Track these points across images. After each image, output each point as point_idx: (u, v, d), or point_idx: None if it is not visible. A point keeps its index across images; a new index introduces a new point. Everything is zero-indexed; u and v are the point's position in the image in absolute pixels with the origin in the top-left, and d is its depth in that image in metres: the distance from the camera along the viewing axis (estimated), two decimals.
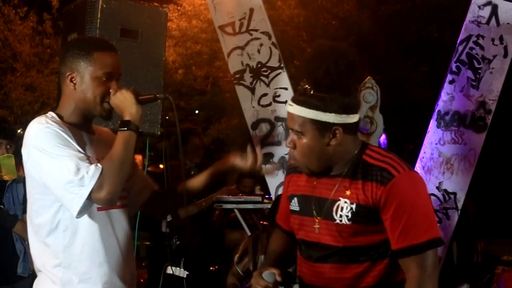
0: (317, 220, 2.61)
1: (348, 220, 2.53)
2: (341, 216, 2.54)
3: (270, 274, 2.52)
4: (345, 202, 2.54)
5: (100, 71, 2.70)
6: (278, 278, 2.52)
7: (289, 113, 2.56)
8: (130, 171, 2.83)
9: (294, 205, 2.71)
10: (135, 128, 2.64)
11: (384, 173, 2.50)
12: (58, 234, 2.66)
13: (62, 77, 2.76)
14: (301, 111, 2.52)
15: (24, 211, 4.80)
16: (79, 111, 2.75)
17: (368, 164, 2.57)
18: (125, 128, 2.63)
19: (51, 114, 2.73)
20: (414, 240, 2.48)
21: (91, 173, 2.51)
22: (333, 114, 2.49)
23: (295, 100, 2.54)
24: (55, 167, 2.54)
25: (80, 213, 2.55)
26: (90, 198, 2.52)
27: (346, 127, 2.52)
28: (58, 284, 2.67)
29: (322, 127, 2.51)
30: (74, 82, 2.72)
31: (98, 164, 2.55)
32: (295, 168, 2.75)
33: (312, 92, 2.49)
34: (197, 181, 2.99)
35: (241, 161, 2.88)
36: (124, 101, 2.68)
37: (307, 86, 2.50)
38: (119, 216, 2.80)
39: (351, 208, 2.53)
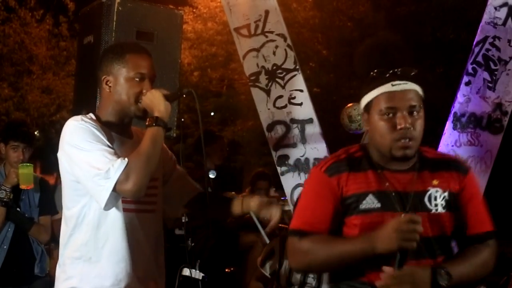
0: (402, 215, 2.44)
1: (443, 208, 2.56)
2: (436, 205, 2.55)
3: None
4: (437, 191, 2.56)
5: (132, 72, 2.83)
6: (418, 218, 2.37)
7: (400, 92, 2.53)
8: (167, 171, 3.00)
9: (371, 202, 2.54)
10: (162, 124, 2.75)
11: (460, 164, 2.67)
12: (82, 228, 2.78)
13: (98, 82, 2.90)
14: (414, 86, 2.56)
15: (40, 213, 4.85)
16: (116, 113, 2.86)
17: (431, 158, 2.63)
18: (153, 124, 2.73)
19: (90, 115, 2.85)
20: (489, 226, 2.65)
21: (117, 166, 2.62)
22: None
23: (403, 79, 2.54)
24: (85, 160, 2.67)
25: (107, 205, 2.67)
26: (116, 190, 2.63)
27: None
28: (76, 277, 2.78)
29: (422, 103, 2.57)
30: (110, 85, 2.85)
31: (125, 158, 2.64)
32: (343, 168, 2.60)
33: (408, 71, 2.56)
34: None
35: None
36: (153, 99, 2.78)
37: (397, 69, 2.55)
38: (148, 220, 2.89)
39: (444, 197, 2.56)
